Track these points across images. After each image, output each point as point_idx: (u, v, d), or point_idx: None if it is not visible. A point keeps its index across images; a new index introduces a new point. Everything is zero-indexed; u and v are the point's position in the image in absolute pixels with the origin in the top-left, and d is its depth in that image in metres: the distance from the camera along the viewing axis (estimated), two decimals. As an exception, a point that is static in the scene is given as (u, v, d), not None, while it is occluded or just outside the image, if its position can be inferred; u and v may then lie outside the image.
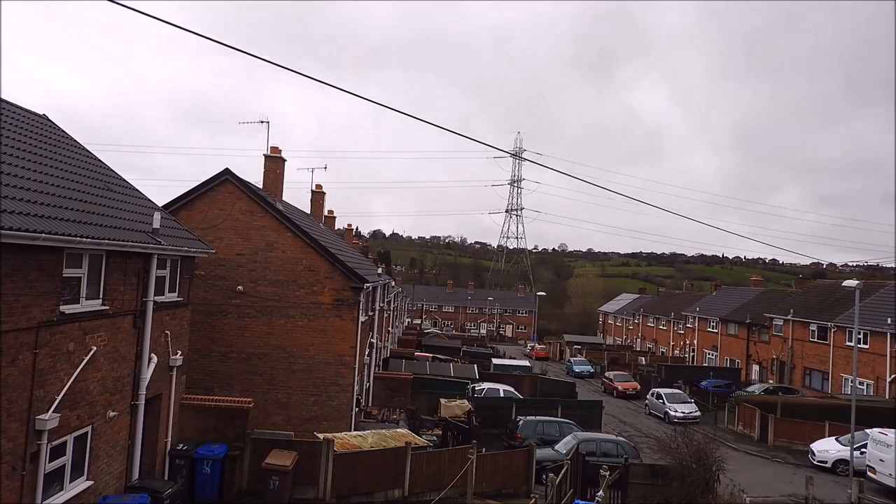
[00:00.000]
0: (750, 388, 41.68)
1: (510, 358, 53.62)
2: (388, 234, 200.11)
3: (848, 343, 39.20)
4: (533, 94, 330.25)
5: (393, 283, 47.56)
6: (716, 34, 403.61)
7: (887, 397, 35.10)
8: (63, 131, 16.18)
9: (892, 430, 22.34)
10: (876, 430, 23.25)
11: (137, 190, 16.44)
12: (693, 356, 63.62)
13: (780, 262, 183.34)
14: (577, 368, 56.85)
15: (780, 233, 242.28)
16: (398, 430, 20.57)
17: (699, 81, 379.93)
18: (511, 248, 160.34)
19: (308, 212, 34.60)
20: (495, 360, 47.25)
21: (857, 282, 23.06)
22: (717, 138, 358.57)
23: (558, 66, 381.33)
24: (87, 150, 16.29)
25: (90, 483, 11.80)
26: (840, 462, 25.17)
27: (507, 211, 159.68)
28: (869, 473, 22.49)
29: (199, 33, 7.49)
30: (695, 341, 63.78)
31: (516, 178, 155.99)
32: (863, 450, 23.32)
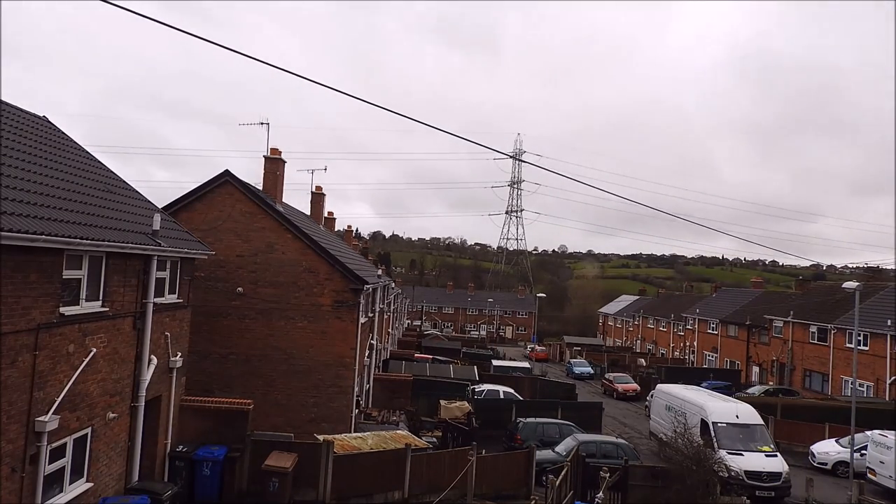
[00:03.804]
0: (750, 390, 41.62)
1: (510, 359, 53.55)
2: (387, 235, 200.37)
3: (848, 345, 39.21)
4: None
5: (393, 285, 47.55)
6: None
7: (887, 399, 35.09)
8: (63, 133, 16.17)
9: (893, 432, 22.32)
10: (876, 431, 23.22)
11: (137, 191, 16.43)
12: (693, 358, 63.60)
13: (781, 263, 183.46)
14: (577, 370, 56.80)
15: (777, 234, 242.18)
16: (398, 431, 20.56)
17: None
18: (511, 249, 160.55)
19: (308, 213, 34.60)
20: (495, 362, 47.18)
21: (856, 283, 23.06)
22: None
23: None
24: (87, 152, 16.27)
25: (90, 485, 11.79)
26: (840, 464, 25.14)
27: (507, 212, 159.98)
28: (869, 475, 22.46)
29: (204, 38, 7.50)
30: (695, 343, 63.77)
31: (516, 179, 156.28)
32: (863, 452, 23.30)
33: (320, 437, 17.43)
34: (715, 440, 21.67)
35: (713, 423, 22.64)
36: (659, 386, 30.79)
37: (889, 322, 36.49)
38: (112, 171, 16.31)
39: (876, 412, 29.48)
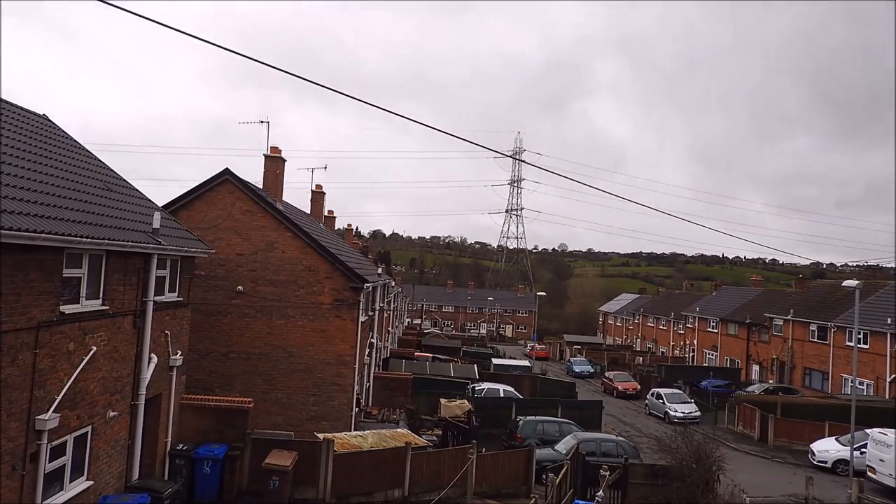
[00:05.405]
0: (750, 388, 41.67)
1: (510, 358, 53.60)
2: (387, 234, 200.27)
3: (848, 343, 39.20)
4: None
5: (393, 283, 47.55)
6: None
7: (887, 397, 35.10)
8: (63, 131, 16.18)
9: (892, 430, 22.34)
10: (876, 430, 23.25)
11: (137, 190, 16.44)
12: (693, 356, 63.61)
13: (780, 262, 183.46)
14: (577, 368, 56.83)
15: (778, 233, 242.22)
16: (398, 430, 20.57)
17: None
18: (511, 248, 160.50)
19: (308, 212, 34.60)
20: (495, 360, 47.24)
21: (856, 282, 23.06)
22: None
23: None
24: (88, 150, 16.28)
25: (90, 483, 11.80)
26: (840, 462, 25.16)
27: (506, 211, 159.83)
28: (869, 473, 22.49)
29: (208, 41, 7.51)
30: (695, 341, 63.77)
31: (516, 178, 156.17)
32: (863, 450, 23.32)
33: (320, 436, 17.44)
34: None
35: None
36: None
37: (889, 320, 36.48)
38: (112, 170, 16.32)
39: (876, 410, 29.49)
